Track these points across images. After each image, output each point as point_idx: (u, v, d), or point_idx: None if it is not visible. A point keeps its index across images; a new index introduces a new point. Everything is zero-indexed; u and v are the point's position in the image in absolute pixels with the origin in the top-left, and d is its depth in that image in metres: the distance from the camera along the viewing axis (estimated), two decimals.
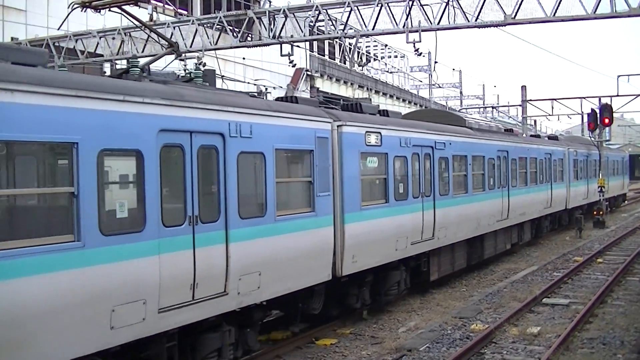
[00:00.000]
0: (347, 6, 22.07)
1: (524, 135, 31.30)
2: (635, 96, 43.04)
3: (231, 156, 10.01)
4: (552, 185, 28.52)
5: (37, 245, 7.19)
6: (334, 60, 53.13)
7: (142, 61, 10.33)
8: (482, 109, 66.38)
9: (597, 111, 33.93)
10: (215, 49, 25.60)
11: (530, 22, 20.06)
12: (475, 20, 20.35)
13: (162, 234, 8.74)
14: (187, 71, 11.05)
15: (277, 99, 12.92)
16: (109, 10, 10.89)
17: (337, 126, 12.97)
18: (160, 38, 12.50)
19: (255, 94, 12.49)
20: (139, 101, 8.56)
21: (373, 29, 22.04)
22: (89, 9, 10.92)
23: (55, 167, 8.32)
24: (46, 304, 7.23)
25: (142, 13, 30.31)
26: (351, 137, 13.31)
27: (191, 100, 9.43)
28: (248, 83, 28.60)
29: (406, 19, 21.14)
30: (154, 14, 28.85)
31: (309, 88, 46.23)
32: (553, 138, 34.77)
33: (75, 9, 11.82)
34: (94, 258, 7.78)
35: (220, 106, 9.94)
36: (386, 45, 64.57)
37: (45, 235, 7.50)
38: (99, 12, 11.21)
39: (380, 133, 14.29)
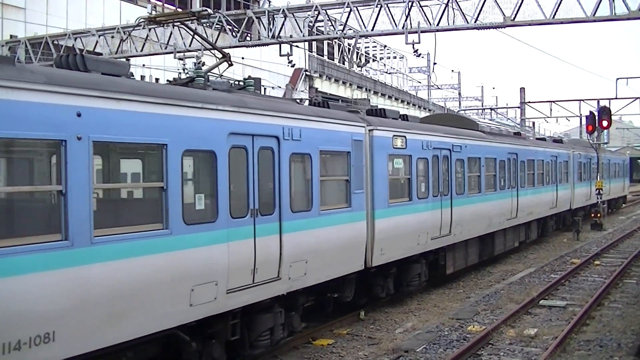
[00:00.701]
0: (347, 7, 22.09)
1: (531, 138, 32.04)
2: (633, 99, 43.15)
3: (284, 156, 11.27)
4: (557, 186, 29.45)
5: (134, 231, 8.51)
6: (333, 60, 53.16)
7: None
8: (480, 111, 66.46)
9: (596, 114, 33.96)
10: (214, 49, 25.60)
11: (529, 24, 20.11)
12: (475, 21, 20.39)
13: (230, 224, 9.98)
14: (240, 81, 12.38)
15: (311, 103, 14.09)
16: (172, 25, 11.49)
17: (369, 130, 14.16)
18: (213, 48, 14.13)
19: (298, 100, 13.44)
20: (213, 108, 9.80)
21: (372, 29, 22.07)
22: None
23: (148, 165, 9.51)
24: (143, 282, 8.54)
25: (141, 12, 30.36)
26: (381, 140, 14.51)
27: (253, 107, 10.71)
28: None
29: (405, 20, 21.17)
30: (154, 12, 28.85)
31: (307, 88, 46.23)
32: (557, 141, 35.29)
33: (141, 22, 12.81)
34: (179, 244, 9.06)
35: (276, 112, 11.19)
36: (385, 46, 64.66)
37: (140, 223, 8.75)
38: (163, 26, 12.00)
39: (405, 136, 15.47)
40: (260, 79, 14.51)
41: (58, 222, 7.62)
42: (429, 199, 16.62)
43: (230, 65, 12.52)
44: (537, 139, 32.80)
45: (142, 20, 12.83)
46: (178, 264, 9.04)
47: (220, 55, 12.52)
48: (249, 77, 12.99)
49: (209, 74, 11.01)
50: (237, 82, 12.36)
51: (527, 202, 24.63)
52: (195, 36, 13.13)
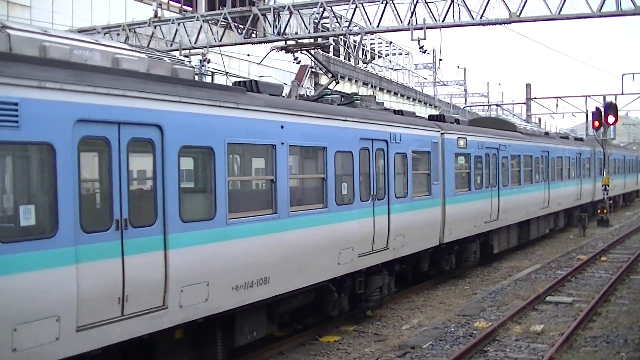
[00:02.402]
0: (352, 3, 22.06)
1: (558, 137, 33.87)
2: None
3: (391, 155, 14.56)
4: (581, 180, 32.89)
5: (308, 209, 11.79)
6: (339, 57, 53.07)
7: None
8: (486, 107, 66.29)
9: (602, 109, 33.85)
10: (219, 46, 25.63)
11: (535, 20, 20.05)
12: (480, 17, 20.35)
13: (361, 206, 13.34)
14: (355, 96, 15.21)
15: (395, 112, 16.91)
16: (301, 52, 16.24)
17: (441, 134, 17.50)
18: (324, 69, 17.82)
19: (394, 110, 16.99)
20: (351, 119, 13.18)
21: (378, 26, 22.05)
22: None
23: (316, 162, 12.42)
24: (314, 245, 11.75)
25: (146, 9, 30.39)
26: (450, 142, 17.96)
27: (372, 118, 14.11)
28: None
29: (411, 17, 21.14)
30: (159, 10, 28.87)
31: (313, 85, 46.18)
32: (578, 139, 37.32)
33: (272, 50, 17.26)
34: (333, 219, 12.35)
35: (385, 122, 14.61)
36: (391, 43, 64.47)
37: (311, 203, 12.03)
38: (293, 54, 17.09)
39: (466, 138, 18.92)
40: (374, 96, 18.30)
41: (271, 201, 10.77)
42: (482, 189, 20.13)
43: (337, 83, 15.90)
44: (561, 137, 34.40)
45: (275, 48, 16.73)
46: (332, 233, 12.28)
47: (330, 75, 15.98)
48: (356, 94, 16.18)
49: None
50: (353, 95, 15.35)
51: (556, 193, 28.07)
52: (314, 60, 17.94)
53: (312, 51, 16.75)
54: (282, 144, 10.98)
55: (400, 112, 16.61)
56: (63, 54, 7.95)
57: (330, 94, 14.45)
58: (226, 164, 9.77)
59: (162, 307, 8.50)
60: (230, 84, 12.23)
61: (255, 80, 11.36)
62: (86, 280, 7.53)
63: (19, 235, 7.04)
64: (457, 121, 20.33)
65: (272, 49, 17.38)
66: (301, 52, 16.40)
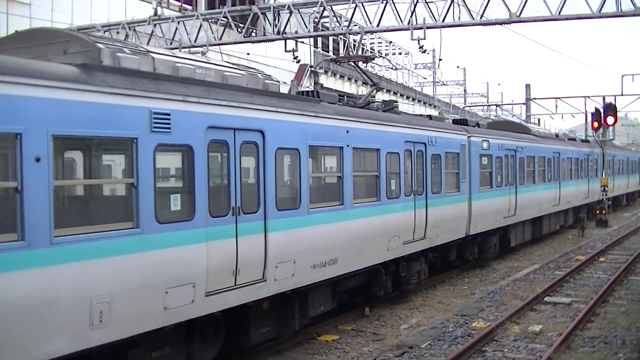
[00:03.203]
0: (352, 2, 22.05)
1: (567, 139, 35.16)
2: (639, 95, 42.97)
3: (428, 156, 16.52)
4: (589, 180, 34.67)
5: (365, 202, 13.68)
6: (338, 56, 53.00)
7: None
8: (486, 107, 66.29)
9: (601, 110, 33.85)
10: (219, 44, 25.63)
11: (535, 21, 20.05)
12: (480, 18, 20.35)
13: (405, 200, 15.34)
14: (395, 103, 17.12)
15: (428, 117, 19.10)
16: (348, 63, 17.73)
17: (468, 137, 19.37)
18: (366, 76, 19.42)
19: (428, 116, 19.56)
20: (397, 125, 15.16)
21: (378, 25, 22.04)
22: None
23: (371, 160, 14.15)
24: (370, 232, 13.62)
25: (146, 7, 30.38)
26: (475, 144, 19.85)
27: (414, 123, 16.26)
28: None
29: (411, 16, 21.14)
30: (159, 8, 28.86)
31: (313, 84, 46.16)
32: (585, 141, 38.22)
33: (322, 62, 19.82)
34: (383, 210, 14.28)
35: (424, 127, 16.67)
36: (390, 42, 64.45)
37: (366, 197, 13.87)
38: (340, 65, 20.66)
39: (488, 141, 20.59)
40: (392, 100, 19.89)
41: (339, 194, 12.71)
42: (502, 187, 21.96)
43: (377, 91, 17.48)
44: (569, 139, 35.53)
45: (326, 59, 18.69)
46: (383, 223, 14.19)
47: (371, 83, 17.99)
48: (395, 100, 17.91)
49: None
50: (389, 102, 17.13)
51: (567, 192, 30.04)
52: (359, 72, 18.89)
53: (360, 64, 18.68)
54: (347, 146, 12.96)
55: (430, 117, 18.86)
56: (190, 73, 9.76)
57: (374, 102, 16.49)
58: (307, 163, 11.72)
59: (262, 279, 10.48)
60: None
61: (317, 91, 13.18)
62: (213, 255, 9.41)
63: (170, 218, 8.85)
64: (478, 124, 21.94)
65: (327, 60, 20.72)
66: (349, 63, 18.93)
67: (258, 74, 11.65)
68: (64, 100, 7.52)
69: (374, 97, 16.99)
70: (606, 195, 35.00)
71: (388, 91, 59.59)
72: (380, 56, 62.76)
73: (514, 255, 24.18)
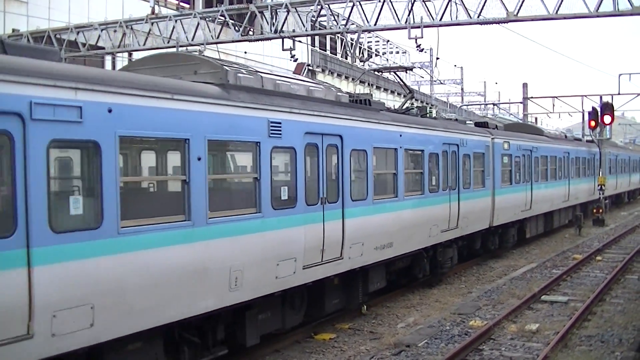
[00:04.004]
0: (350, 1, 22.03)
1: (573, 139, 36.65)
2: (636, 95, 43.12)
3: (460, 155, 18.53)
4: (595, 178, 36.47)
5: (413, 194, 15.78)
6: (336, 55, 53.03)
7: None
8: (483, 106, 66.29)
9: (598, 109, 33.90)
10: (217, 43, 25.58)
11: (532, 20, 20.05)
12: (478, 16, 20.34)
13: (451, 193, 17.87)
14: (426, 109, 18.86)
15: (455, 120, 20.89)
16: (388, 73, 19.62)
17: (492, 138, 21.51)
18: (402, 84, 21.65)
19: (456, 119, 21.45)
20: (437, 129, 17.33)
21: (375, 24, 22.01)
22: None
23: (417, 159, 16.19)
24: (415, 221, 15.67)
25: (144, 6, 30.32)
26: (498, 145, 21.97)
27: (450, 127, 18.34)
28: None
29: (408, 15, 21.12)
30: (156, 6, 28.80)
31: None
32: (590, 142, 38.71)
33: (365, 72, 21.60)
34: (427, 202, 16.30)
35: (458, 130, 18.85)
36: (388, 41, 64.45)
37: (413, 190, 15.88)
38: (381, 74, 23.61)
39: (509, 142, 22.86)
40: (425, 106, 23.01)
41: (394, 188, 14.81)
42: (520, 184, 24.09)
43: (412, 98, 19.73)
44: (574, 139, 36.97)
45: (373, 70, 21.10)
46: (426, 213, 16.22)
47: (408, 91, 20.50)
48: (431, 105, 19.53)
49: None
50: (423, 108, 18.91)
51: (575, 189, 32.28)
52: (399, 82, 21.10)
53: (395, 74, 21.08)
54: (400, 147, 15.03)
55: (456, 121, 20.95)
56: (287, 88, 11.69)
57: (412, 108, 18.58)
58: (372, 161, 13.78)
59: (339, 257, 12.58)
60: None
61: (368, 100, 14.58)
62: (308, 236, 11.58)
63: (281, 205, 10.96)
64: (496, 127, 23.96)
65: (370, 71, 22.62)
66: (389, 73, 21.45)
67: (332, 88, 13.76)
68: (214, 113, 9.57)
69: (413, 104, 19.07)
70: (603, 194, 35.01)
71: (385, 90, 59.61)
72: (377, 55, 62.74)
73: (510, 254, 24.21)
